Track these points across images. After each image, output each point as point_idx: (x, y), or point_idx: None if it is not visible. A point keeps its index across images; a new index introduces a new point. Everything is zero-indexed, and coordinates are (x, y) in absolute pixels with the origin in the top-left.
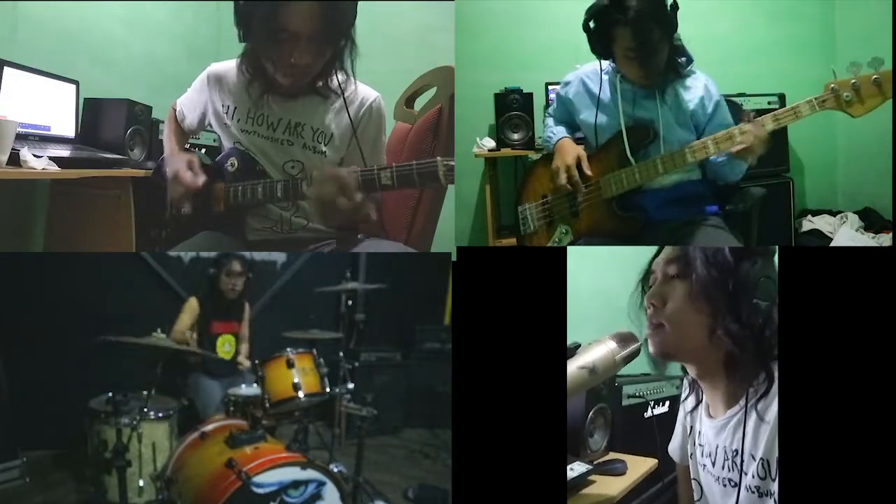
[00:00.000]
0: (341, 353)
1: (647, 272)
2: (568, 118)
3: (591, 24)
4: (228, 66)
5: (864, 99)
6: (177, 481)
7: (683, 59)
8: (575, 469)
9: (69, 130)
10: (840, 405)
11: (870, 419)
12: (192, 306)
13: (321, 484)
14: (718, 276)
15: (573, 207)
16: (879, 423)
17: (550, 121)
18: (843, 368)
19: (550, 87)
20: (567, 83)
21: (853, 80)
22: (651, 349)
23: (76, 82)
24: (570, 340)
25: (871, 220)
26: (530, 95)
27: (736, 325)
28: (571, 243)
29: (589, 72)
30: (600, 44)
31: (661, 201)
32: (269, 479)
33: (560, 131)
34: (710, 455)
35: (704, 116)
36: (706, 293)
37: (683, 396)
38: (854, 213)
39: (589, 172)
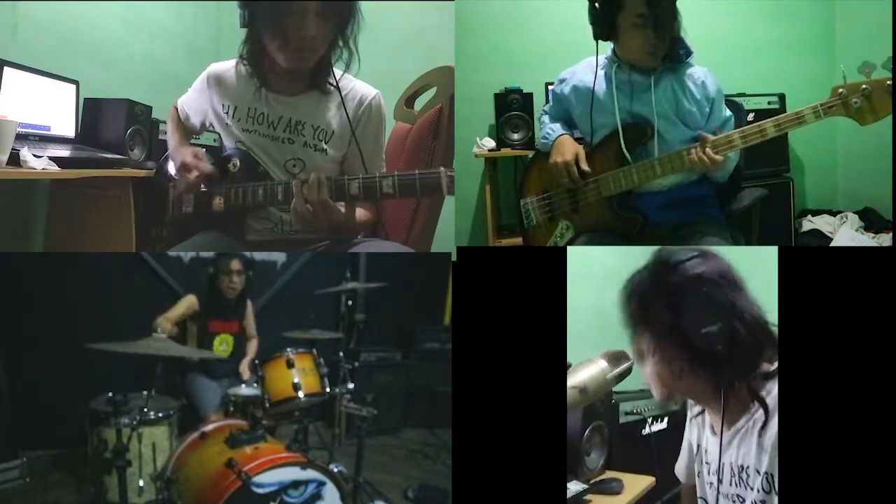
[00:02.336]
0: (341, 353)
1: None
2: (565, 115)
3: None
4: (228, 65)
5: (876, 107)
6: (177, 481)
7: (682, 50)
8: (571, 488)
9: (69, 130)
10: (840, 405)
11: (870, 420)
12: (189, 301)
13: (321, 484)
14: (661, 323)
15: (573, 204)
16: (880, 423)
17: (546, 118)
18: (842, 368)
19: (550, 87)
20: (563, 80)
21: (864, 85)
22: (654, 395)
23: (76, 82)
24: (569, 347)
25: (871, 220)
26: (530, 95)
27: (696, 362)
28: (572, 239)
29: (584, 67)
30: (606, 16)
31: (660, 204)
32: (269, 479)
33: (558, 128)
34: (716, 472)
35: (703, 116)
36: (661, 341)
37: (689, 414)
38: (854, 213)
39: (587, 169)
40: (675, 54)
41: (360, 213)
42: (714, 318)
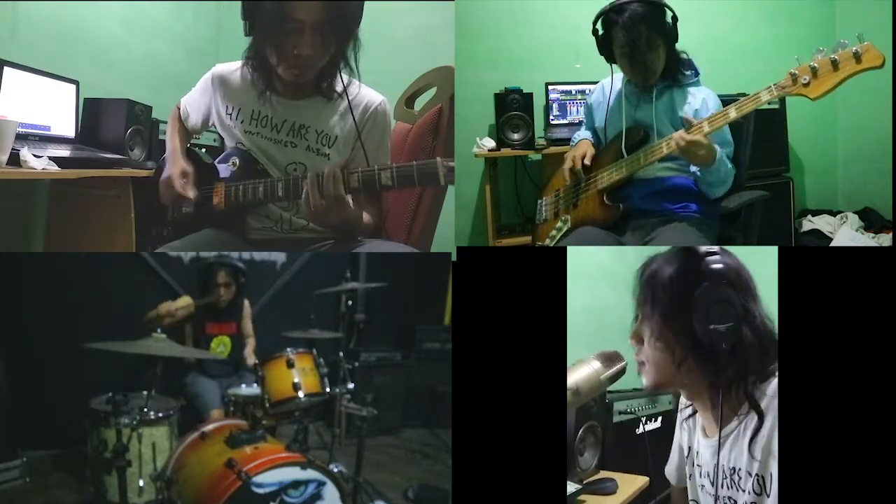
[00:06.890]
0: (341, 353)
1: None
2: (592, 125)
3: (598, 29)
4: (233, 67)
5: (822, 80)
6: (177, 481)
7: (689, 71)
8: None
9: (69, 130)
10: (840, 406)
11: (870, 420)
12: (186, 300)
13: (321, 484)
14: (671, 311)
15: (575, 199)
16: (879, 423)
17: (582, 128)
18: (842, 369)
19: (550, 87)
20: (591, 91)
21: (812, 64)
22: (643, 383)
23: (76, 82)
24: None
25: (871, 220)
26: (530, 95)
27: (697, 356)
28: (568, 231)
29: (608, 81)
30: (604, 46)
31: (647, 192)
32: (269, 479)
33: (584, 134)
34: (708, 475)
35: None
36: (664, 331)
37: (679, 417)
38: (854, 213)
39: (587, 163)
40: (676, 74)
41: (364, 216)
42: (725, 317)
